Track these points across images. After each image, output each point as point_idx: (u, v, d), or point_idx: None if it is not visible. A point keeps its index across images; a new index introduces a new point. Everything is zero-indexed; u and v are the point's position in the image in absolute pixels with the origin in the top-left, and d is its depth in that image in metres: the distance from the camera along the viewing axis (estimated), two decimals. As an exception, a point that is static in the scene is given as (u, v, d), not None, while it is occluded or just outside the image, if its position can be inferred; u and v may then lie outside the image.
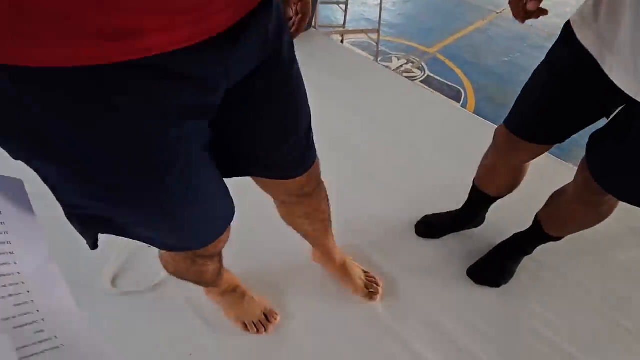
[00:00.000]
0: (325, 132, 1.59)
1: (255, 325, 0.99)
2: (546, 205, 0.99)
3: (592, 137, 0.76)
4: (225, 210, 0.59)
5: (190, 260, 0.69)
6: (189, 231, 0.55)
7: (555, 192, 0.96)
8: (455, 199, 1.18)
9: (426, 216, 1.23)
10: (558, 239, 1.00)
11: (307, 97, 0.60)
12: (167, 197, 0.46)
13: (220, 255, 0.76)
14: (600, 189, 0.74)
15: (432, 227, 1.21)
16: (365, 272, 1.09)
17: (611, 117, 0.74)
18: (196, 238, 0.58)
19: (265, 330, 0.99)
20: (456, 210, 1.20)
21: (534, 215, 1.03)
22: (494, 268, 1.11)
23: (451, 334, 1.01)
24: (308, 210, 0.83)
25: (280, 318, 1.01)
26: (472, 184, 1.10)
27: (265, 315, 1.01)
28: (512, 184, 1.03)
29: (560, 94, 0.74)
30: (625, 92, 0.62)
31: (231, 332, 0.99)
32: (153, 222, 0.50)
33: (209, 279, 0.80)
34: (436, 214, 1.23)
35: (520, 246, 1.10)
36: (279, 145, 0.59)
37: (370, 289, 1.06)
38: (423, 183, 1.37)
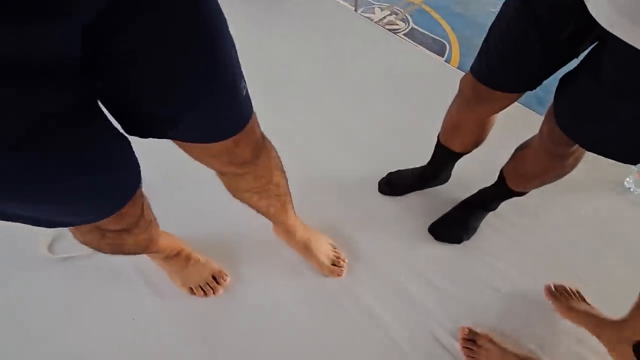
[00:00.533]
0: (295, 87, 1.51)
1: (202, 289, 0.95)
2: (510, 159, 0.93)
3: (561, 80, 0.68)
4: (117, 182, 0.49)
5: (98, 234, 0.61)
6: (54, 209, 0.45)
7: (519, 146, 0.90)
8: (429, 157, 1.11)
9: (390, 173, 1.17)
10: (522, 194, 0.95)
11: (229, 37, 0.47)
12: (19, 168, 0.36)
13: (143, 226, 0.67)
14: (565, 139, 0.68)
15: (395, 185, 1.15)
16: (333, 247, 1.03)
17: (582, 57, 0.66)
18: (74, 215, 0.48)
19: (214, 292, 0.95)
20: (421, 167, 1.13)
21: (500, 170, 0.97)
22: (456, 224, 1.07)
23: (410, 293, 0.98)
24: (256, 184, 0.71)
25: (231, 280, 0.97)
26: (436, 140, 1.03)
27: (214, 278, 0.96)
28: (478, 139, 0.96)
29: (528, 26, 0.65)
30: (599, 21, 0.53)
31: (178, 295, 0.95)
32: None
33: (130, 251, 0.72)
34: (400, 171, 1.17)
35: (485, 202, 1.05)
36: (186, 97, 0.46)
37: (335, 265, 1.00)
38: (398, 140, 1.29)
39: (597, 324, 0.85)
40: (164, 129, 0.51)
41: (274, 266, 1.01)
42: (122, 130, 0.50)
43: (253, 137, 0.61)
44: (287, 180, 0.79)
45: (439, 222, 1.08)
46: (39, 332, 0.89)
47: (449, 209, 1.10)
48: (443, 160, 1.06)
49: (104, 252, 0.70)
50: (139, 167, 0.52)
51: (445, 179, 1.14)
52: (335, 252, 1.02)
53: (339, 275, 1.00)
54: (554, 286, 0.96)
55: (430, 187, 1.15)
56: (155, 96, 0.45)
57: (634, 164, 0.63)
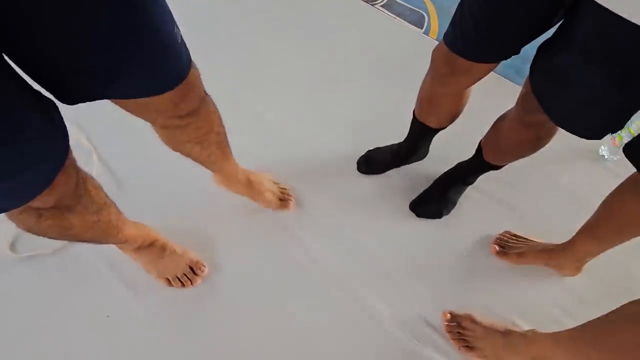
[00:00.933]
0: (268, 64, 1.44)
1: (179, 280, 0.92)
2: (488, 132, 0.92)
3: (539, 48, 0.66)
4: (41, 152, 0.44)
5: (33, 215, 0.56)
6: None
7: (498, 118, 0.89)
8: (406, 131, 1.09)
9: (368, 152, 1.15)
10: (498, 167, 0.95)
11: None
12: None
13: (89, 206, 0.63)
14: (538, 107, 0.67)
15: (373, 163, 1.13)
16: (275, 183, 1.05)
17: (559, 24, 0.63)
18: None
19: (192, 283, 0.92)
20: (398, 143, 1.11)
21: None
22: (436, 200, 1.06)
23: (392, 270, 0.98)
24: (197, 134, 0.70)
25: (208, 270, 0.94)
26: (412, 115, 1.01)
27: (191, 268, 0.93)
28: (453, 114, 0.93)
29: None
30: None
31: (153, 289, 0.92)
32: None
33: (85, 236, 0.67)
34: (378, 149, 1.15)
35: (462, 176, 1.04)
36: (117, 49, 0.43)
37: (282, 199, 1.03)
38: (376, 116, 1.26)
39: (546, 256, 0.94)
40: (102, 87, 0.48)
41: (252, 255, 0.99)
42: (53, 98, 0.46)
43: (197, 87, 0.59)
44: (224, 127, 0.79)
45: (419, 199, 1.07)
46: (6, 336, 0.85)
47: (428, 185, 1.09)
48: (420, 137, 1.04)
49: (54, 238, 0.65)
50: (67, 134, 0.48)
51: (423, 155, 1.13)
52: (279, 186, 1.04)
53: (288, 208, 1.03)
54: (497, 244, 1.00)
55: (409, 163, 1.14)
56: (78, 51, 0.41)
57: (597, 138, 0.63)
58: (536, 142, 0.81)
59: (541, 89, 0.65)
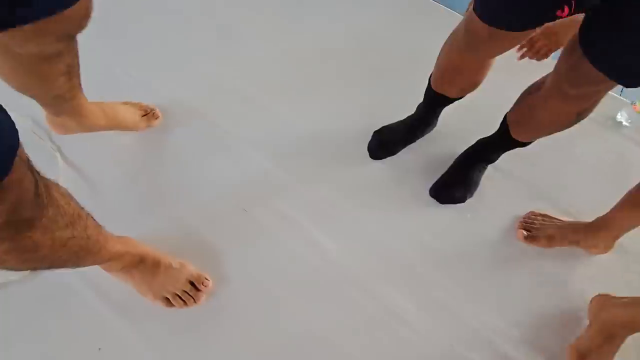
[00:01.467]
0: (252, 39, 1.26)
1: (180, 298, 0.80)
2: (517, 104, 0.83)
3: (587, 12, 0.57)
4: None
5: None
6: None
7: (527, 90, 0.80)
8: (408, 102, 1.00)
9: (376, 133, 1.03)
10: (526, 144, 0.87)
11: None
12: None
13: (59, 220, 0.50)
14: (589, 77, 0.60)
15: (387, 143, 1.02)
16: (125, 103, 0.97)
17: None
18: None
19: (195, 300, 0.80)
20: (409, 117, 1.02)
21: (499, 118, 0.87)
22: (458, 183, 0.97)
23: (415, 262, 0.90)
24: (71, 60, 0.67)
25: (213, 283, 0.82)
26: (427, 86, 0.91)
27: (192, 283, 0.81)
28: (478, 81, 0.84)
29: None
30: None
31: (150, 313, 0.79)
32: None
33: (53, 259, 0.53)
34: (385, 128, 1.04)
35: (485, 155, 0.96)
36: None
37: (145, 114, 0.99)
38: (371, 86, 1.15)
39: (579, 237, 0.89)
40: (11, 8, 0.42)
41: (260, 260, 0.87)
42: None
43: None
44: None
45: (440, 183, 0.98)
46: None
47: (447, 166, 0.99)
48: (435, 107, 0.96)
49: (16, 268, 0.52)
50: (11, 119, 0.39)
51: (433, 127, 1.05)
52: (134, 105, 0.98)
53: (156, 117, 1.00)
54: (523, 228, 0.93)
55: (423, 136, 1.05)
56: None
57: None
58: (576, 117, 0.74)
59: (601, 57, 0.57)
